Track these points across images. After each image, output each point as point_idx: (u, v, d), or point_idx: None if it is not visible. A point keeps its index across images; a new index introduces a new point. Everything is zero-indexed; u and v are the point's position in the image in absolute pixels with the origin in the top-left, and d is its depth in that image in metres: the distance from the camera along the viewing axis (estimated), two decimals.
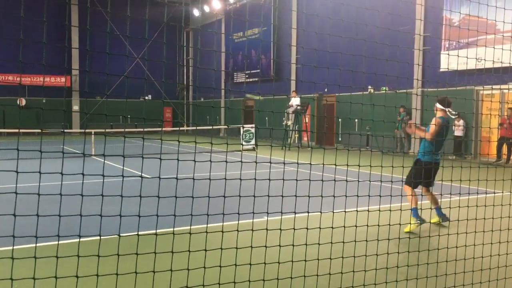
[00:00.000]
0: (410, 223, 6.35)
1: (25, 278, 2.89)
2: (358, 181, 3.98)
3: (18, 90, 30.61)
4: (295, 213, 3.59)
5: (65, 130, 29.43)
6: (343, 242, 3.83)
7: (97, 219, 3.05)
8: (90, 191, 3.15)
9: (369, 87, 20.20)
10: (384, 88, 19.63)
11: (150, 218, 3.23)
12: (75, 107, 33.08)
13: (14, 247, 2.85)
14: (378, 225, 3.96)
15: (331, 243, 3.73)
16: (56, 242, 3.12)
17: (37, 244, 3.04)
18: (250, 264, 3.42)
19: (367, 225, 3.89)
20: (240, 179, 3.41)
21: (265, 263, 3.40)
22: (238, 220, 3.40)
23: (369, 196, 3.81)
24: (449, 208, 4.63)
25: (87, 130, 21.25)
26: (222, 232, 3.45)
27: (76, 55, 33.08)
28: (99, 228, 2.95)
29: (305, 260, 3.61)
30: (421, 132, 6.51)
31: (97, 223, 3.16)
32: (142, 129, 22.54)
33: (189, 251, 3.25)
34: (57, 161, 2.71)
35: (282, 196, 3.59)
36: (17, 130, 24.86)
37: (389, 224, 4.02)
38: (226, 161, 3.09)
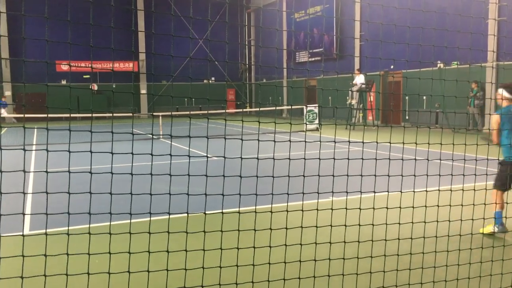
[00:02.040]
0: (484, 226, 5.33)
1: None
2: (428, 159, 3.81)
3: (91, 76, 32.22)
4: (361, 192, 3.51)
5: (135, 114, 30.68)
6: (412, 222, 3.71)
7: (164, 198, 3.15)
8: (159, 171, 3.25)
9: (439, 62, 19.24)
10: (455, 62, 18.63)
11: (215, 197, 3.29)
12: (143, 91, 34.32)
13: (90, 225, 3.01)
14: (450, 205, 3.79)
15: (399, 223, 3.62)
16: (127, 221, 3.27)
17: (111, 223, 3.19)
18: (316, 243, 3.40)
19: (437, 205, 3.73)
20: (304, 159, 3.38)
21: (330, 242, 3.37)
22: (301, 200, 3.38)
23: (440, 175, 3.64)
24: None
25: (154, 113, 22.04)
26: (287, 211, 3.45)
27: (142, 41, 34.13)
28: (167, 207, 3.05)
29: (372, 241, 3.54)
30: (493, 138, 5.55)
31: (165, 202, 3.27)
32: (206, 111, 23.05)
33: (254, 230, 3.28)
34: (128, 143, 2.83)
35: (347, 175, 3.52)
36: (90, 115, 26.23)
37: (461, 204, 3.84)
38: (290, 141, 3.06)
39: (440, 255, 3.94)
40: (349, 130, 5.17)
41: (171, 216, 3.09)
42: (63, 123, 25.53)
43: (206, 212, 3.18)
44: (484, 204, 4.10)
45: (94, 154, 3.08)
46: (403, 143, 3.69)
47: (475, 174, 4.01)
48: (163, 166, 3.56)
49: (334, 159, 3.57)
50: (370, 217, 3.63)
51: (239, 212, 3.21)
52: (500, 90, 5.53)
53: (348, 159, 3.55)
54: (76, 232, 3.33)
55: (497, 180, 5.48)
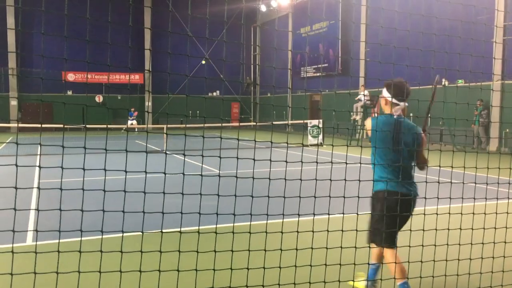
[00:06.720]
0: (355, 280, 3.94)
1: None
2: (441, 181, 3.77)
3: (96, 87, 32.45)
4: (357, 214, 3.47)
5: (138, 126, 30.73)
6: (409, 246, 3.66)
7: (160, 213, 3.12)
8: (158, 185, 3.23)
9: (443, 80, 19.22)
10: (460, 81, 18.62)
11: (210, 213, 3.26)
12: (148, 104, 34.43)
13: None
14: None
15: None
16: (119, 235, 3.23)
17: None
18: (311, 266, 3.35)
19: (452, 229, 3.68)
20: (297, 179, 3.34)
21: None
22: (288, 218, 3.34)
23: (452, 196, 3.59)
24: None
25: (159, 126, 22.12)
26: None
27: (149, 54, 34.36)
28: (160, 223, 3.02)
29: (375, 264, 3.47)
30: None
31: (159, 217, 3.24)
32: (203, 125, 23.06)
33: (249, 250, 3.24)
34: (131, 155, 2.86)
35: (344, 197, 3.48)
36: (95, 126, 26.31)
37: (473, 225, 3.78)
38: (286, 161, 3.04)
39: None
40: (347, 146, 5.12)
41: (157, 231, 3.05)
42: (68, 133, 25.63)
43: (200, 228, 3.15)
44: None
45: (94, 166, 3.07)
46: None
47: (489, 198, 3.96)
48: (161, 179, 3.53)
49: (330, 180, 3.53)
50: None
51: (233, 232, 3.17)
52: (384, 91, 3.86)
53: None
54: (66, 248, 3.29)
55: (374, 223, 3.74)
